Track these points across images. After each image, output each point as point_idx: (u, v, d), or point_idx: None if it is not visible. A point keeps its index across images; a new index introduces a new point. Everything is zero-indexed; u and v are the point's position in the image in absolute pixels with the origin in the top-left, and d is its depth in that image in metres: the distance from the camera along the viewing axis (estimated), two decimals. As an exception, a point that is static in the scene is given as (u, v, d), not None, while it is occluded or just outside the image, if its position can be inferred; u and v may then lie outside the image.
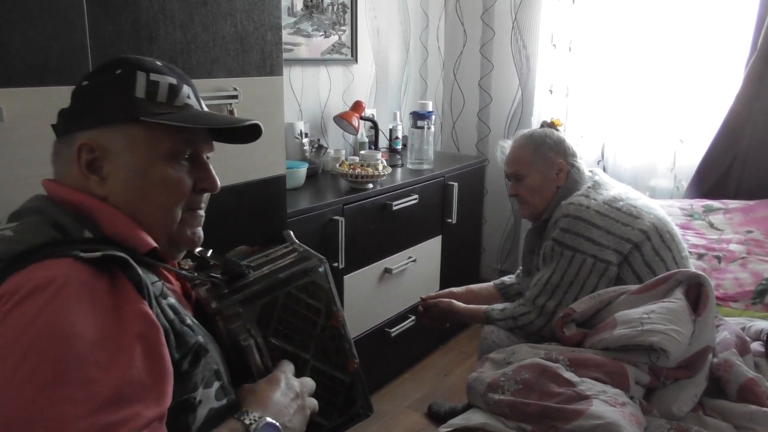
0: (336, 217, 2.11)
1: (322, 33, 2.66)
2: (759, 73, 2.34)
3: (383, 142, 2.94)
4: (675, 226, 1.70)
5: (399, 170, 2.66)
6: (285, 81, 2.41)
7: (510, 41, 3.20)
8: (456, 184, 2.69)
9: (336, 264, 2.14)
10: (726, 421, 1.31)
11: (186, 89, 0.87)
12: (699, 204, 2.32)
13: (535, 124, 2.94)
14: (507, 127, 3.30)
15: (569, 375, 1.32)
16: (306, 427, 0.89)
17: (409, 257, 2.53)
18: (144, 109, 0.82)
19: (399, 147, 2.97)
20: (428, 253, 2.66)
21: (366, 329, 2.38)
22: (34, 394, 0.61)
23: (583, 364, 1.36)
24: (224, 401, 0.82)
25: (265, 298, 0.92)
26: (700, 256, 2.07)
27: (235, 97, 1.58)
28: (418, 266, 2.59)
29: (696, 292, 1.42)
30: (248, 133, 0.93)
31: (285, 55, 2.06)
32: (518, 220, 3.34)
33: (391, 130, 2.99)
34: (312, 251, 1.01)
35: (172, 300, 0.81)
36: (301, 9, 2.54)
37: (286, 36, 2.44)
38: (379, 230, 2.34)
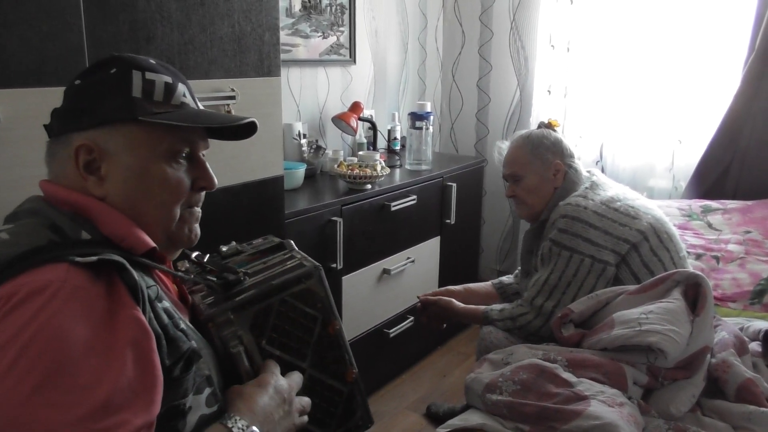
0: (334, 218, 2.11)
1: (320, 34, 2.66)
2: (757, 73, 2.34)
3: (381, 142, 2.94)
4: (673, 227, 1.70)
5: (397, 171, 2.66)
6: (283, 82, 2.41)
7: (508, 42, 3.20)
8: (454, 184, 2.69)
9: (334, 265, 2.14)
10: (724, 422, 1.31)
11: (181, 87, 0.87)
12: (697, 204, 2.32)
13: (533, 125, 2.93)
14: (505, 128, 3.30)
15: (567, 375, 1.32)
16: None
17: (408, 258, 2.53)
18: (142, 108, 0.81)
19: (397, 148, 2.97)
20: (427, 253, 2.66)
21: (364, 330, 2.37)
22: (25, 398, 0.61)
23: (581, 364, 1.36)
24: (215, 408, 0.81)
25: (259, 304, 0.90)
26: (698, 257, 2.07)
27: (232, 98, 1.58)
28: (417, 267, 2.59)
29: (694, 292, 1.42)
30: (244, 129, 0.93)
31: (283, 56, 2.06)
32: (517, 220, 3.34)
33: (389, 131, 2.99)
34: (309, 258, 1.00)
35: (167, 304, 0.80)
36: (300, 10, 2.54)
37: (284, 37, 2.44)
38: (378, 231, 2.34)
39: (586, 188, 1.69)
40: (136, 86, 0.82)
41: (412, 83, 3.31)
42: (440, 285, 2.72)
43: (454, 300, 1.85)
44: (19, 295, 0.66)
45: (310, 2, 2.58)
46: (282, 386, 0.88)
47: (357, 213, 2.22)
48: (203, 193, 0.92)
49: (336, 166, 2.33)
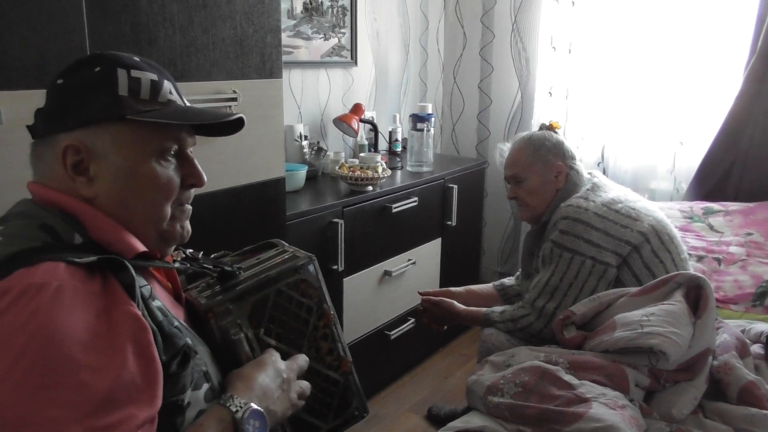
0: (335, 220, 2.11)
1: (321, 36, 2.66)
2: (759, 74, 2.34)
3: (383, 144, 2.94)
4: (674, 228, 1.70)
5: (399, 172, 2.66)
6: (285, 83, 2.41)
7: (510, 44, 3.20)
8: (456, 186, 2.69)
9: (335, 266, 2.14)
10: (726, 424, 1.31)
11: (167, 84, 0.86)
12: (699, 206, 2.32)
13: (534, 127, 2.94)
14: (507, 130, 3.30)
15: (569, 378, 1.32)
16: (302, 428, 0.89)
17: (409, 260, 2.53)
18: (129, 107, 0.80)
19: (399, 149, 2.97)
20: (428, 255, 2.66)
21: (366, 332, 2.37)
22: (27, 397, 0.61)
23: (582, 366, 1.36)
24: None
25: (255, 295, 0.92)
26: (699, 259, 2.07)
27: (234, 99, 1.58)
28: (418, 269, 2.59)
29: (696, 294, 1.42)
30: (232, 124, 0.92)
31: (285, 58, 2.06)
32: (518, 222, 3.34)
33: (390, 133, 2.99)
34: (301, 251, 1.02)
35: (159, 303, 0.80)
36: (301, 12, 2.55)
37: (285, 39, 2.44)
38: (379, 233, 2.34)
39: (588, 190, 1.69)
40: (122, 84, 0.81)
41: (413, 85, 3.31)
42: (441, 286, 2.71)
43: (455, 302, 1.85)
44: (14, 293, 0.65)
45: (311, 4, 2.58)
46: (281, 367, 0.89)
47: (358, 215, 2.22)
48: (193, 190, 0.91)
49: (337, 167, 2.33)
